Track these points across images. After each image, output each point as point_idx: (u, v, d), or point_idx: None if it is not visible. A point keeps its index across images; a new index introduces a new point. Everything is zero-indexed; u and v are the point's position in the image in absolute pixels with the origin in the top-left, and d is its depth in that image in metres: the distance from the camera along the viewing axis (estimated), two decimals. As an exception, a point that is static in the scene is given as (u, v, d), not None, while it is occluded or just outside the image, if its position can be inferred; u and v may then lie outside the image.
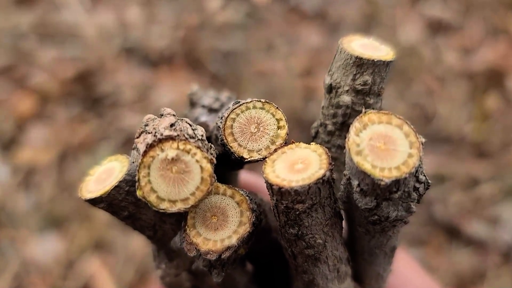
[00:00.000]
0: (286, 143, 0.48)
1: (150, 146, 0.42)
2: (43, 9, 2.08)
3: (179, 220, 0.51)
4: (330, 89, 0.52)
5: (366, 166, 0.40)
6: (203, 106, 0.61)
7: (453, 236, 1.49)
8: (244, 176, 0.75)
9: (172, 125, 0.43)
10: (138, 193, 0.42)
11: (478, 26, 2.03)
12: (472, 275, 1.40)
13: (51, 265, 1.41)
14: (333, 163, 0.43)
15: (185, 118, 0.46)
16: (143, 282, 1.40)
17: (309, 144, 0.46)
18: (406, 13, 2.08)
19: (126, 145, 1.67)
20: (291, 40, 2.01)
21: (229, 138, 0.48)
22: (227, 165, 0.52)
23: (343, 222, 0.50)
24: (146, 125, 0.45)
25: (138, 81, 1.86)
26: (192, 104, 0.63)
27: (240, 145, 0.48)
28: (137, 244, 1.44)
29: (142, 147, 0.42)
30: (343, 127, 0.53)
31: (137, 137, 0.44)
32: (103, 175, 0.50)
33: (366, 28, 2.03)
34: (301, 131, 1.62)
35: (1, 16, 2.02)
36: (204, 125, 0.58)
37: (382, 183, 0.40)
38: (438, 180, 1.58)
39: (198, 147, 0.43)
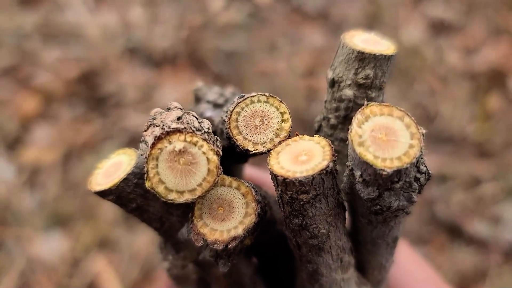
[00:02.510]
0: (290, 135, 0.48)
1: (158, 139, 0.43)
2: (47, 10, 2.09)
3: (186, 212, 0.52)
4: (333, 83, 0.53)
5: (368, 157, 0.41)
6: (208, 102, 0.62)
7: (455, 235, 1.49)
8: (249, 170, 0.76)
9: (179, 118, 0.44)
10: (147, 184, 0.43)
11: (481, 26, 2.03)
12: (474, 274, 1.41)
13: (56, 264, 1.41)
14: (336, 154, 0.44)
15: (191, 112, 0.46)
16: (147, 280, 1.41)
17: (313, 136, 0.47)
18: (409, 13, 2.09)
19: (130, 144, 1.67)
20: (293, 40, 2.02)
21: (234, 131, 0.48)
22: (233, 158, 0.53)
23: (346, 212, 0.51)
24: (154, 118, 0.46)
25: (141, 81, 1.87)
26: (197, 99, 0.64)
27: (245, 138, 0.48)
28: (141, 243, 1.45)
29: (150, 140, 0.43)
30: (346, 121, 0.53)
31: (145, 130, 0.45)
32: (112, 168, 0.51)
33: (368, 28, 2.03)
34: (304, 130, 1.62)
35: (5, 16, 2.03)
36: (210, 120, 0.59)
37: (384, 173, 0.41)
38: (440, 180, 1.58)
39: (205, 139, 0.44)
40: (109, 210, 1.49)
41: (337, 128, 0.54)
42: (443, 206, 1.53)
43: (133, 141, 1.68)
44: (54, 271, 1.40)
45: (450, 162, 1.63)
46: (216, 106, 0.61)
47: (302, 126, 1.66)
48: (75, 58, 1.92)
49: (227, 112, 0.49)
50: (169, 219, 0.53)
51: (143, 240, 1.45)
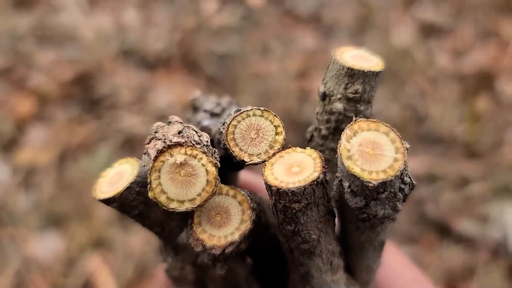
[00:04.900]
0: (284, 147, 0.51)
1: (160, 152, 0.45)
2: (41, 12, 2.09)
3: (186, 217, 0.54)
4: (324, 96, 0.56)
5: (356, 170, 0.44)
6: (205, 111, 0.64)
7: (444, 234, 1.51)
8: (244, 175, 0.78)
9: (180, 132, 0.47)
10: (150, 194, 0.46)
11: (470, 29, 2.05)
12: (463, 272, 1.42)
13: (51, 263, 1.42)
14: (326, 166, 0.47)
15: (191, 125, 0.49)
16: (142, 279, 1.42)
17: (305, 148, 0.50)
18: (399, 16, 2.10)
19: (124, 146, 1.68)
20: (286, 42, 2.03)
21: (231, 143, 0.51)
22: (229, 166, 0.56)
23: (336, 219, 0.54)
24: (156, 132, 0.48)
25: (135, 83, 1.88)
26: (195, 109, 0.67)
27: (241, 150, 0.51)
28: (136, 242, 1.46)
29: (153, 153, 0.46)
30: (336, 132, 0.56)
31: (148, 143, 0.47)
32: (115, 177, 0.53)
33: (359, 31, 2.05)
34: (295, 131, 1.65)
35: None
36: (207, 129, 0.61)
37: (370, 185, 0.44)
38: (430, 180, 1.60)
39: (204, 152, 0.46)
40: (103, 210, 1.50)
41: (327, 138, 0.57)
42: (432, 206, 1.55)
43: (128, 142, 1.69)
44: (49, 270, 1.41)
45: (439, 162, 1.65)
46: (213, 115, 0.64)
47: (294, 127, 1.67)
48: (69, 60, 1.93)
49: (224, 124, 0.52)
50: (170, 224, 0.56)
51: (138, 239, 1.46)
